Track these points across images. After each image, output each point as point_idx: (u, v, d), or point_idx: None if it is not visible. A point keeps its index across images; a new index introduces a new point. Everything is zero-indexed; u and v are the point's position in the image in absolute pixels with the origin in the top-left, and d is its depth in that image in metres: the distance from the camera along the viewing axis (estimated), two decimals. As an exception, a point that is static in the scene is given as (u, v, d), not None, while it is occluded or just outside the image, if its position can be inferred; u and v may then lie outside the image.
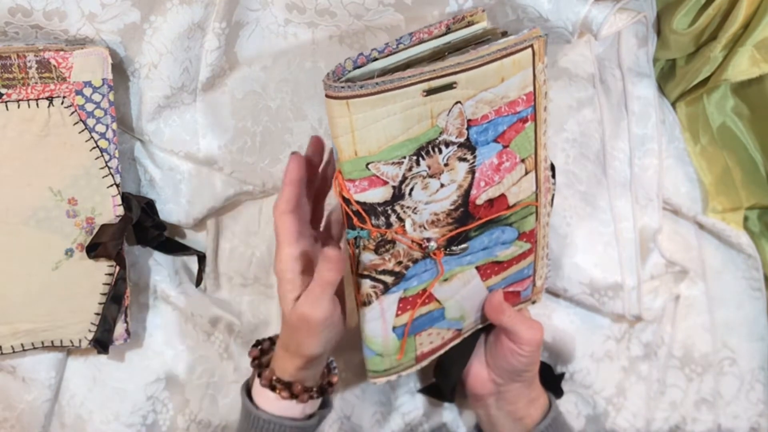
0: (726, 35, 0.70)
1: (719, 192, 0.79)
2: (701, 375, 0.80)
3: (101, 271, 0.69)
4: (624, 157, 0.77)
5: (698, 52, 0.74)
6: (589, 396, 0.79)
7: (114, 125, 0.67)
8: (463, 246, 0.62)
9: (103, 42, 0.66)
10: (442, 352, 0.68)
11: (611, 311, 0.77)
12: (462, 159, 0.59)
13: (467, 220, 0.61)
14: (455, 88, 0.56)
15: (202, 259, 0.76)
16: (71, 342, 0.70)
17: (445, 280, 0.63)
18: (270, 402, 0.63)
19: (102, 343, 0.70)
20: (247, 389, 0.65)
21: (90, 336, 0.70)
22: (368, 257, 0.59)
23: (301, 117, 0.73)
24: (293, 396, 0.62)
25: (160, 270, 0.75)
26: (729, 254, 0.81)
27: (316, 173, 0.64)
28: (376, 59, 0.56)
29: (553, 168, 0.67)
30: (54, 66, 0.64)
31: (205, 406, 0.77)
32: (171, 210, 0.73)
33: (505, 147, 0.61)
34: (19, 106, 0.64)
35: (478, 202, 0.61)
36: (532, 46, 0.58)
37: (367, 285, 0.60)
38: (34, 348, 0.70)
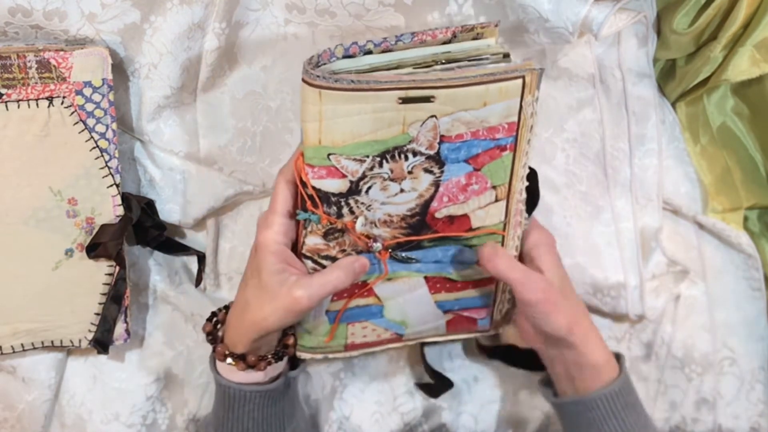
0: (726, 35, 0.70)
1: (719, 192, 0.79)
2: (701, 375, 0.80)
3: (101, 271, 0.69)
4: (624, 157, 0.77)
5: (698, 52, 0.74)
6: (589, 396, 0.79)
7: (114, 125, 0.67)
8: (410, 256, 0.63)
9: (103, 42, 0.66)
10: (376, 349, 0.69)
11: (614, 311, 0.77)
12: (428, 171, 0.59)
13: (422, 229, 0.61)
14: (433, 102, 0.55)
15: (202, 259, 0.76)
16: (71, 342, 0.70)
17: (389, 279, 0.64)
18: (231, 372, 0.63)
19: (102, 343, 0.70)
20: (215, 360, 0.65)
21: (90, 336, 0.70)
22: (314, 240, 0.60)
23: (301, 117, 0.73)
24: (249, 366, 0.63)
25: (160, 270, 0.75)
26: (729, 254, 0.81)
27: None
28: (370, 52, 0.56)
29: (533, 203, 0.66)
30: (54, 66, 0.64)
31: (204, 406, 0.77)
32: (171, 210, 0.73)
33: (476, 170, 0.60)
34: (19, 106, 0.64)
35: (438, 215, 0.61)
36: (523, 77, 0.56)
37: (308, 266, 0.61)
38: (34, 348, 0.70)
